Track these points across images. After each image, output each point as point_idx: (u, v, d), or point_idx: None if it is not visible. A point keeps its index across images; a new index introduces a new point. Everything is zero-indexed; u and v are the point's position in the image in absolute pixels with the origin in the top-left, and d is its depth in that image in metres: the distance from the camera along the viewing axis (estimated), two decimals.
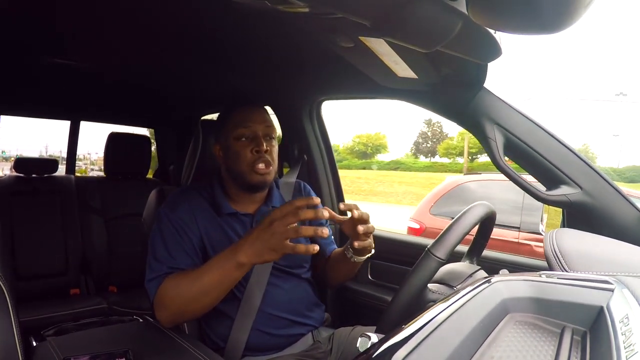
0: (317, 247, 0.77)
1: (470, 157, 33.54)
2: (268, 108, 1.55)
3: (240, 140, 1.01)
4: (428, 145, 40.21)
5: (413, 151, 41.79)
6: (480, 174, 3.88)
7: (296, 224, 0.78)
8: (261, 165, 1.00)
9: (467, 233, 0.72)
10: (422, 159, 37.97)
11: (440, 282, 0.73)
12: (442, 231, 0.71)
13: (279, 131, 1.64)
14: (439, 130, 39.99)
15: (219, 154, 1.07)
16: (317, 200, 0.79)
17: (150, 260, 0.95)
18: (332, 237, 1.23)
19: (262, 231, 0.79)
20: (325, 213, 0.77)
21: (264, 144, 1.00)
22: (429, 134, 40.91)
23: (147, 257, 0.96)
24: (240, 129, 1.01)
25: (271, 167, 1.02)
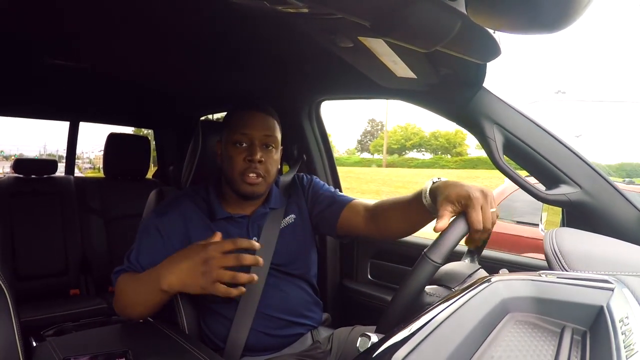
0: (244, 290, 0.77)
1: (398, 154, 36.48)
2: None
3: (236, 146, 0.98)
4: (370, 142, 41.72)
5: (358, 148, 43.72)
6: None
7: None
8: (252, 176, 0.97)
9: (464, 236, 0.71)
10: (365, 155, 39.78)
11: (438, 283, 0.73)
12: (439, 234, 0.70)
13: None
14: (380, 128, 41.78)
15: (218, 152, 1.06)
16: (257, 245, 0.78)
17: (126, 254, 0.97)
18: (337, 191, 1.13)
19: (194, 265, 0.77)
20: (260, 260, 0.77)
21: (258, 154, 0.97)
22: (371, 132, 42.53)
23: None
24: (237, 135, 0.98)
25: (261, 179, 0.98)
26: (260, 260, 0.77)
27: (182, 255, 0.80)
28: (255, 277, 0.78)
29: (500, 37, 0.69)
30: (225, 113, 1.12)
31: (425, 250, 0.66)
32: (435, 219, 0.74)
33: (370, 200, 1.10)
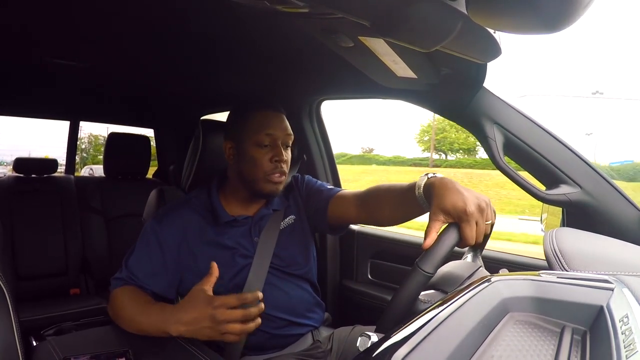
0: (258, 322, 0.78)
1: None
2: None
3: (260, 148, 0.98)
4: None
5: None
6: None
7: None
8: (277, 176, 0.98)
9: (456, 245, 0.69)
10: None
11: (434, 287, 0.72)
12: (432, 244, 0.69)
13: None
14: None
15: (229, 152, 1.04)
16: (261, 295, 0.79)
17: (125, 259, 0.97)
18: (327, 185, 1.15)
19: (200, 318, 0.77)
20: (262, 306, 0.78)
21: (284, 154, 0.99)
22: None
23: None
24: (261, 135, 0.98)
25: (284, 177, 1.01)
26: (262, 305, 0.79)
27: (188, 304, 0.80)
28: (259, 320, 0.78)
29: (500, 36, 0.69)
30: (227, 112, 1.12)
31: (417, 260, 0.65)
32: (425, 230, 0.72)
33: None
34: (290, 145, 1.04)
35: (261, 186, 0.99)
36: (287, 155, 1.02)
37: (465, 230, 0.68)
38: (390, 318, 0.64)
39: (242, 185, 1.03)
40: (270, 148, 0.99)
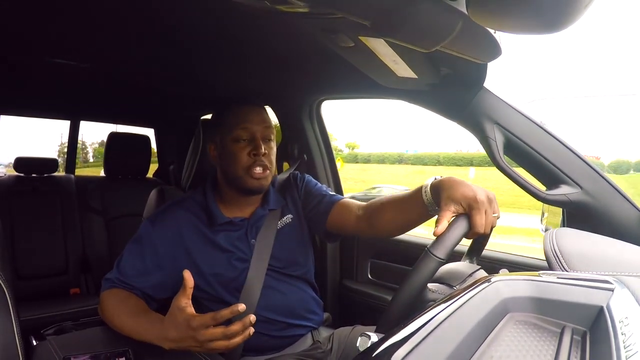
0: (250, 332, 0.73)
1: None
2: (267, 108, 1.55)
3: (238, 142, 0.98)
4: None
5: None
6: None
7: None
8: (258, 170, 0.97)
9: (467, 233, 0.71)
10: None
11: (439, 281, 0.73)
12: (443, 231, 0.71)
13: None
14: None
15: (213, 154, 1.04)
16: (242, 307, 0.72)
17: (118, 259, 0.96)
18: (329, 190, 1.13)
19: (183, 337, 0.73)
20: (252, 318, 0.73)
21: (262, 147, 0.97)
22: None
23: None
24: (237, 131, 0.98)
25: (268, 171, 0.99)
26: (252, 318, 0.72)
27: (170, 323, 0.76)
28: (247, 333, 0.73)
29: (501, 37, 0.69)
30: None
31: (428, 246, 0.67)
32: (435, 219, 0.74)
33: None
34: (273, 138, 1.02)
35: (244, 182, 0.98)
36: (270, 148, 1.00)
37: (475, 218, 0.70)
38: (402, 302, 0.64)
39: (228, 185, 1.02)
40: (248, 142, 0.98)
